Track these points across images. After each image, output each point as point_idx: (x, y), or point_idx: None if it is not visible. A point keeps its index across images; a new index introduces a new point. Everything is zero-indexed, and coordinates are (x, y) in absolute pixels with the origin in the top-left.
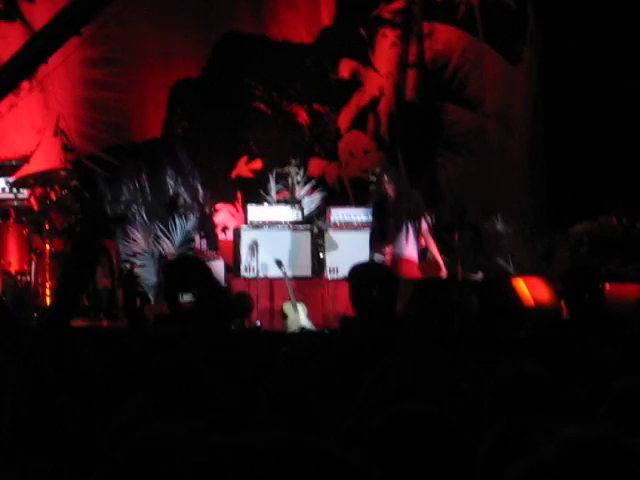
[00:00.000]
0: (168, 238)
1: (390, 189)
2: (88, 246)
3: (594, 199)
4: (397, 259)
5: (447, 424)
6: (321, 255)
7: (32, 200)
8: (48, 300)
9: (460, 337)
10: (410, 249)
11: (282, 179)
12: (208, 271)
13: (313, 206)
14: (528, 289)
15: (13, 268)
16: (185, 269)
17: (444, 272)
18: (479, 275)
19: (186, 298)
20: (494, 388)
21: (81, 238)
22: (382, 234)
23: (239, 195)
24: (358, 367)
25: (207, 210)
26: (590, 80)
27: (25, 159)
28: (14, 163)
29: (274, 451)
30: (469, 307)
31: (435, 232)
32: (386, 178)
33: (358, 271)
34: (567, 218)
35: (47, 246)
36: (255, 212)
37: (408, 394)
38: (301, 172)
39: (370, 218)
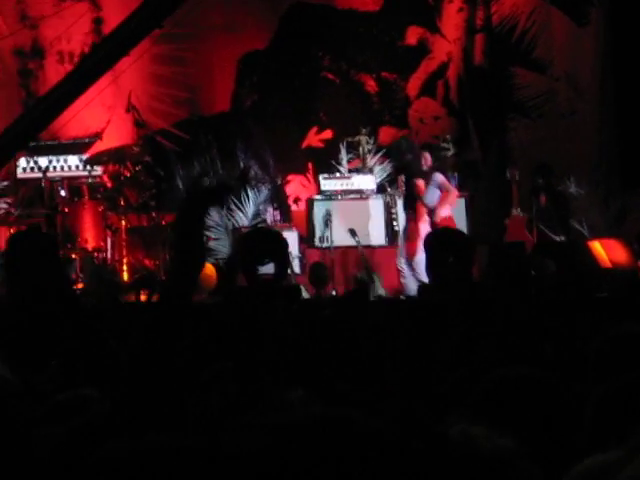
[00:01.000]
0: (241, 210)
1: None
2: (197, 217)
3: None
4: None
5: (554, 386)
6: (394, 223)
7: (106, 177)
8: (125, 276)
9: (538, 299)
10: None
11: (353, 148)
12: (284, 242)
13: (385, 174)
14: (605, 251)
15: (90, 245)
16: (262, 241)
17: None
18: (560, 238)
19: (262, 270)
20: (599, 347)
21: (188, 209)
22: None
23: (310, 166)
24: (436, 333)
25: (279, 181)
26: None
27: (97, 136)
28: (86, 140)
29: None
30: (546, 270)
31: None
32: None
33: (434, 237)
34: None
35: (122, 222)
36: (327, 182)
37: (497, 358)
38: (372, 141)
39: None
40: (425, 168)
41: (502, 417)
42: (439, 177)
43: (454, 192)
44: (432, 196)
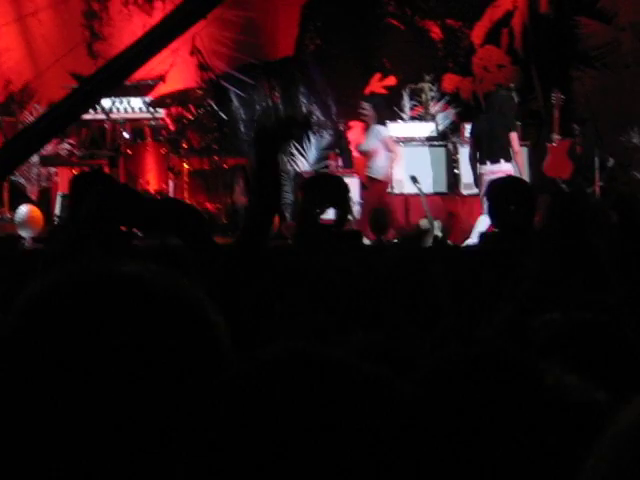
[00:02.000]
0: (303, 156)
1: None
2: (272, 155)
3: None
4: None
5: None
6: (456, 171)
7: (168, 119)
8: None
9: (598, 250)
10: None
11: (416, 95)
12: (345, 188)
13: (447, 122)
14: None
15: (152, 187)
16: (322, 186)
17: None
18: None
19: (324, 216)
20: None
21: (261, 149)
22: None
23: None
24: (496, 280)
25: (341, 127)
26: None
27: (160, 78)
28: (150, 82)
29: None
30: (608, 221)
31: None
32: None
33: (496, 186)
34: None
35: (185, 165)
36: (390, 129)
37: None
38: (435, 88)
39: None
40: None
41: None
42: None
43: None
44: None
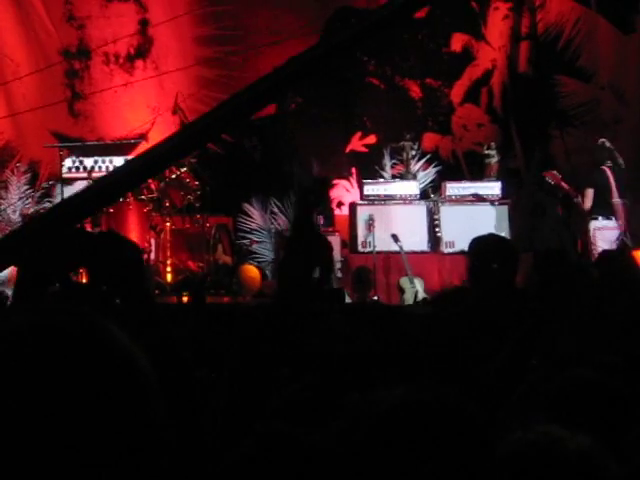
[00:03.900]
0: (284, 214)
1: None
2: (308, 219)
3: None
4: None
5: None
6: (437, 229)
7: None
8: (169, 277)
9: (583, 309)
10: None
11: (396, 154)
12: (329, 247)
13: (428, 180)
14: None
15: None
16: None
17: None
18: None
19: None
20: None
21: (301, 213)
22: None
23: (354, 170)
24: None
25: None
26: None
27: (141, 137)
28: (132, 141)
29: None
30: (591, 278)
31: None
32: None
33: (478, 244)
34: None
35: (167, 224)
36: (370, 187)
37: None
38: (415, 147)
39: (485, 191)
40: None
41: (572, 417)
42: None
43: None
44: None
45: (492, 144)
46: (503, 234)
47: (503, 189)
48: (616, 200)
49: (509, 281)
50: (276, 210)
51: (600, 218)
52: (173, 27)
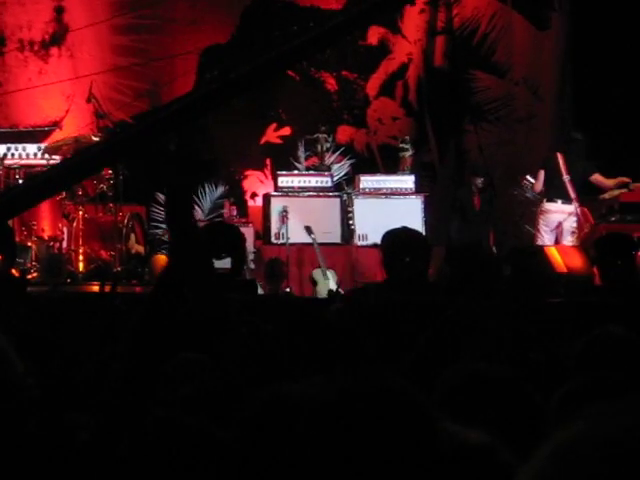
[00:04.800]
0: (198, 205)
1: None
2: (185, 197)
3: (625, 165)
4: None
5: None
6: (350, 222)
7: None
8: (81, 266)
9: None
10: None
11: (311, 146)
12: (242, 237)
13: (342, 173)
14: (561, 256)
15: (46, 234)
16: (220, 235)
17: None
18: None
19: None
20: (581, 350)
21: (174, 190)
22: None
23: (268, 162)
24: (390, 333)
25: (236, 176)
26: (618, 45)
27: (55, 125)
28: (46, 129)
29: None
30: (501, 274)
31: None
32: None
33: (391, 237)
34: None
35: (80, 212)
36: (284, 179)
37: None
38: (330, 139)
39: (399, 185)
40: None
41: (469, 414)
42: None
43: None
44: None
45: (407, 138)
46: (416, 227)
47: (417, 183)
48: (565, 177)
49: (421, 273)
50: None
51: (544, 201)
52: (89, 14)
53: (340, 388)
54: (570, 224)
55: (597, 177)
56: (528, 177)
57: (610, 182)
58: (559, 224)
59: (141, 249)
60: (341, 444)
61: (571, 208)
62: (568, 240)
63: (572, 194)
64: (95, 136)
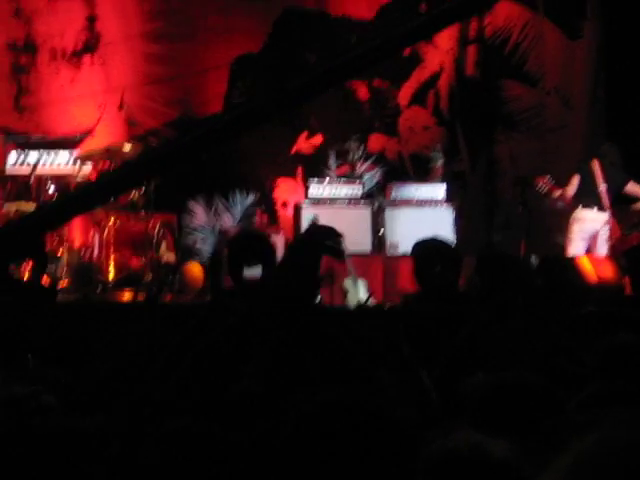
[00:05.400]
0: (229, 212)
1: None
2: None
3: None
4: None
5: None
6: (381, 231)
7: (95, 174)
8: (111, 274)
9: (525, 313)
10: None
11: (342, 155)
12: (272, 246)
13: (373, 182)
14: (592, 266)
15: (77, 242)
16: (250, 243)
17: None
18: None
19: (248, 273)
20: (599, 359)
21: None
22: None
23: (299, 170)
24: (419, 342)
25: (267, 185)
26: None
27: (87, 133)
28: (78, 137)
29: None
30: (533, 283)
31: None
32: None
33: (421, 247)
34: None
35: (111, 220)
36: (315, 188)
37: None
38: (361, 148)
39: (430, 194)
40: None
41: (496, 423)
42: None
43: None
44: None
45: (438, 146)
46: (447, 237)
47: (448, 192)
48: (602, 186)
49: (452, 284)
50: (221, 208)
51: (580, 206)
52: (121, 22)
53: (324, 401)
54: (605, 233)
55: (633, 187)
56: (548, 178)
57: None
58: (595, 232)
59: (172, 258)
60: (319, 452)
61: (606, 217)
62: (602, 249)
63: (607, 203)
64: (127, 143)
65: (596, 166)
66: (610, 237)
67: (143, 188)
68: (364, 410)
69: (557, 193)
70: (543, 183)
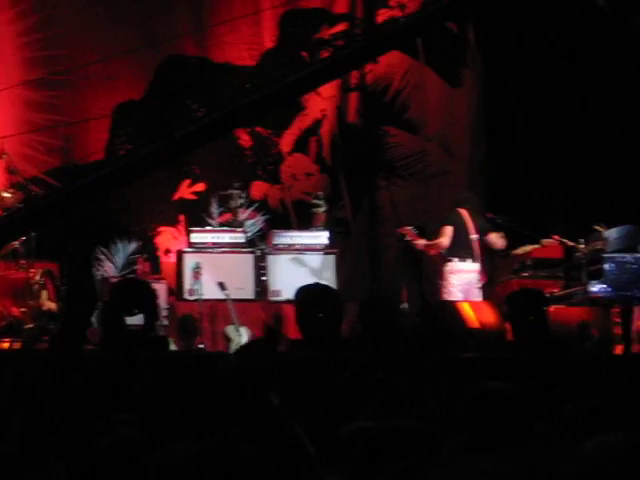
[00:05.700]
0: (110, 261)
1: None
2: (84, 260)
3: (536, 222)
4: None
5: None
6: (263, 278)
7: None
8: None
9: (407, 358)
10: None
11: (225, 202)
12: (153, 294)
13: (255, 229)
14: (473, 312)
15: None
16: (131, 291)
17: None
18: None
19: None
20: (468, 402)
21: (75, 254)
22: None
23: (182, 218)
24: (306, 387)
25: (149, 233)
26: (531, 101)
27: None
28: None
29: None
30: (414, 328)
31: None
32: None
33: (304, 293)
34: (509, 241)
35: None
36: (198, 235)
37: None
38: (244, 195)
39: (313, 241)
40: None
41: (379, 468)
42: None
43: None
44: None
45: (320, 194)
46: (329, 283)
47: (331, 238)
48: (473, 237)
49: (334, 330)
50: (102, 257)
51: (456, 260)
52: (1, 70)
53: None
54: (476, 281)
55: (493, 238)
56: (411, 228)
57: (502, 242)
58: (470, 282)
59: (53, 306)
60: None
61: (478, 266)
62: (477, 296)
63: (478, 252)
64: (6, 192)
65: (466, 216)
66: (481, 285)
67: (24, 237)
68: (228, 463)
69: (420, 243)
70: (406, 233)
